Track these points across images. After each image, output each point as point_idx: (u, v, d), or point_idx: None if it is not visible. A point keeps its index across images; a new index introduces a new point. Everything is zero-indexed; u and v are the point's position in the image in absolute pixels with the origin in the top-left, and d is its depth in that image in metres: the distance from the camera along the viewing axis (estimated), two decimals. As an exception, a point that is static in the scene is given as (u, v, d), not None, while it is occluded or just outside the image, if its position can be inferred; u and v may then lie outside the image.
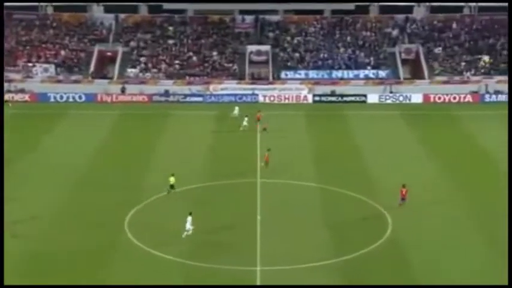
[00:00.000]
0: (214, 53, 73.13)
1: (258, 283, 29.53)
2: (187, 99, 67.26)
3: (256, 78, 70.50)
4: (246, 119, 55.21)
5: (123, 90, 67.93)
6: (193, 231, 33.28)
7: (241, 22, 76.78)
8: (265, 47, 73.14)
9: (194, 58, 72.93)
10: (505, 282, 27.56)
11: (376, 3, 77.64)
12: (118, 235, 34.14)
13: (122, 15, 76.70)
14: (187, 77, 70.44)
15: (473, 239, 33.45)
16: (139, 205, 38.29)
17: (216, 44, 74.40)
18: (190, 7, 77.51)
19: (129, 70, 71.14)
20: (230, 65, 72.12)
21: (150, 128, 56.47)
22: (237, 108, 58.96)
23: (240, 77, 70.52)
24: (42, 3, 76.27)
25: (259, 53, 72.79)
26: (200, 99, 67.39)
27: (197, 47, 74.08)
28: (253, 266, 30.92)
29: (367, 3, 77.36)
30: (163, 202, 38.94)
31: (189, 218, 33.52)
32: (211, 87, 68.45)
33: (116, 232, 34.42)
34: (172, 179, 39.68)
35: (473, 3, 76.06)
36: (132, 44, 74.11)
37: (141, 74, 70.96)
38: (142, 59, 72.56)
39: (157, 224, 35.79)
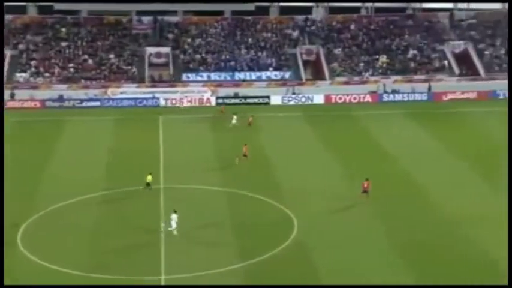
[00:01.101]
0: (112, 56, 71.55)
1: (163, 293, 29.19)
2: (84, 104, 65.41)
3: (156, 81, 69.66)
4: (235, 116, 55.78)
5: (12, 96, 65.00)
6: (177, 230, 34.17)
7: (139, 23, 75.59)
8: (165, 49, 72.48)
9: (90, 61, 71.01)
10: (404, 277, 28.84)
11: (276, 4, 79.09)
12: (10, 249, 32.45)
13: (9, 16, 73.33)
14: (82, 81, 68.49)
15: (375, 237, 34.48)
16: (34, 216, 36.73)
17: (113, 46, 72.85)
18: (84, 7, 75.30)
19: (18, 75, 68.18)
20: (129, 67, 70.83)
21: (45, 135, 54.34)
22: (235, 116, 57.16)
23: (139, 80, 69.43)
24: None
25: (158, 55, 72.04)
26: (98, 103, 65.71)
27: (93, 50, 72.19)
28: (158, 275, 30.45)
29: (268, 4, 78.66)
30: (60, 213, 37.56)
31: (174, 216, 34.23)
32: (109, 91, 66.93)
33: (7, 246, 32.65)
34: (149, 178, 40.46)
35: (370, 4, 79.31)
36: (21, 46, 71.12)
37: (31, 79, 68.23)
38: (32, 62, 69.77)
39: (53, 236, 34.44)
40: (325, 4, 79.42)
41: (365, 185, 39.16)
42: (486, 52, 73.01)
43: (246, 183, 42.19)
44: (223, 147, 51.43)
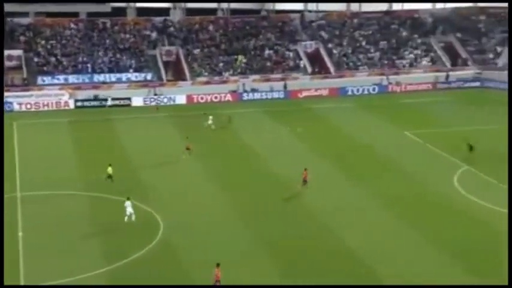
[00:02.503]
0: (-43, 59, 66.12)
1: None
2: None
3: (9, 85, 65.38)
4: (210, 117, 54.55)
5: None
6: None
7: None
8: (17, 52, 68.32)
9: None
10: (269, 267, 29.40)
11: (132, 5, 77.59)
12: None
13: None
14: None
15: (239, 232, 34.69)
16: None
17: (-41, 49, 67.31)
18: None
19: None
20: (-23, 71, 65.86)
21: None
22: (210, 117, 55.50)
23: (-10, 84, 64.78)
24: None
25: (10, 57, 67.67)
26: None
27: None
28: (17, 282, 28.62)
29: (124, 5, 76.96)
30: None
31: (128, 203, 35.06)
32: (-44, 97, 61.84)
33: None
34: (110, 169, 40.42)
35: (225, 6, 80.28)
36: None
37: None
38: None
39: None
40: (183, 5, 79.20)
41: (304, 175, 39.58)
42: (334, 51, 76.76)
43: (108, 187, 40.75)
44: (85, 150, 49.49)
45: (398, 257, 31.69)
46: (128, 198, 35.60)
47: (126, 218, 35.21)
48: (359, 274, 29.81)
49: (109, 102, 54.92)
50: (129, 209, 35.24)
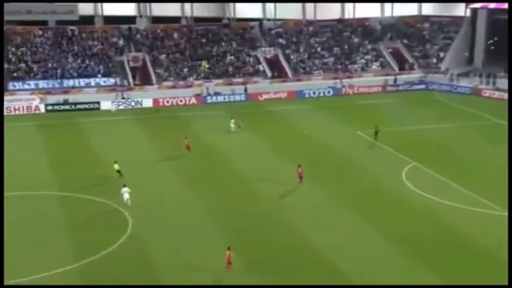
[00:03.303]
0: None
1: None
2: None
3: (-20, 91, 63.57)
4: (232, 120, 53.30)
5: None
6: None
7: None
8: (-12, 59, 66.48)
9: None
10: (235, 257, 29.30)
11: (100, 14, 76.48)
12: None
13: None
14: None
15: (208, 232, 34.23)
16: None
17: None
18: None
19: None
20: (-51, 78, 63.80)
21: None
22: (233, 120, 54.63)
23: (-39, 90, 62.84)
24: None
25: (-19, 64, 65.86)
26: None
27: None
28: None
29: (92, 14, 75.79)
30: None
31: (125, 189, 36.41)
32: None
33: None
34: (116, 166, 41.42)
35: (189, 14, 79.84)
36: None
37: None
38: None
39: None
40: (148, 14, 78.42)
41: (299, 172, 39.39)
42: (292, 57, 77.08)
43: (77, 186, 40.03)
44: (56, 151, 48.54)
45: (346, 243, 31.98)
46: (124, 185, 36.92)
47: (126, 201, 36.39)
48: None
49: (113, 108, 54.34)
50: (126, 195, 36.40)
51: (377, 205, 37.43)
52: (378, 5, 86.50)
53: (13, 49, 69.46)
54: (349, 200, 38.24)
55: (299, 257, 30.80)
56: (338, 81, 73.75)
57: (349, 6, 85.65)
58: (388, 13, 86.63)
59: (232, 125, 54.56)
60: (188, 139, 48.30)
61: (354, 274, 28.96)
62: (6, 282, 27.58)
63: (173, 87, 69.95)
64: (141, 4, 78.00)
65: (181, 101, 67.61)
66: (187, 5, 79.80)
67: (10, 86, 64.96)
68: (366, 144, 50.86)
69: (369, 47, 79.88)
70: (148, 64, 71.98)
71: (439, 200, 37.63)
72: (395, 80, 75.13)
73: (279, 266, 29.90)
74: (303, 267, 29.84)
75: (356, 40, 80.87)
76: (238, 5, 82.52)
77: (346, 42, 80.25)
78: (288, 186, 40.50)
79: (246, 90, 70.51)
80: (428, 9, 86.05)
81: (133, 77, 70.72)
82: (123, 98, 66.55)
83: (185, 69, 72.61)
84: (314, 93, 71.56)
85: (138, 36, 75.85)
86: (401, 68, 77.74)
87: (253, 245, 32.09)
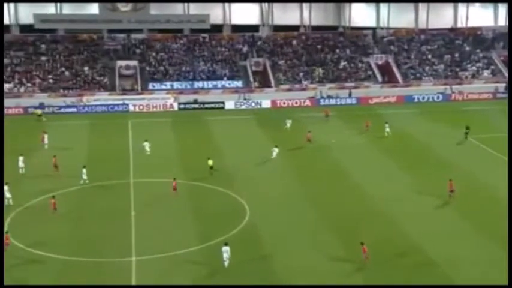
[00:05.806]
0: (86, 68, 70.19)
1: (133, 271, 28.87)
2: (62, 110, 63.92)
3: (126, 90, 68.70)
4: (289, 121, 54.98)
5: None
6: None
7: (110, 40, 74.47)
8: (133, 62, 71.52)
9: (67, 73, 69.48)
10: (335, 251, 29.33)
11: (228, 23, 79.23)
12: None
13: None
14: (61, 90, 66.94)
15: (312, 222, 34.75)
16: (19, 208, 35.83)
17: (87, 60, 71.47)
18: (61, 27, 73.90)
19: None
20: (101, 78, 69.60)
21: (27, 137, 52.87)
22: (289, 121, 55.61)
23: (110, 89, 68.32)
24: None
25: (127, 67, 71.03)
26: (74, 110, 64.36)
27: (69, 63, 70.67)
28: (129, 256, 30.20)
29: (221, 23, 78.75)
30: (39, 206, 36.64)
31: (84, 170, 38.80)
32: (84, 98, 65.68)
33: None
34: (210, 162, 41.73)
35: (307, 23, 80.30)
36: (6, 61, 69.01)
37: (15, 89, 66.43)
38: (16, 74, 67.73)
39: (35, 225, 33.69)
40: (270, 23, 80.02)
41: (451, 185, 36.66)
42: (403, 63, 74.84)
43: (204, 176, 41.96)
44: (185, 145, 51.21)
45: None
46: (84, 167, 39.22)
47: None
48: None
49: (288, 125, 55.68)
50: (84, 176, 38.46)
51: (478, 203, 35.60)
52: (491, 13, 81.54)
53: (153, 54, 74.06)
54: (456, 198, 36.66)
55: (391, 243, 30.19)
56: (448, 87, 70.52)
57: (462, 15, 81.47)
58: (501, 22, 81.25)
59: (288, 125, 54.49)
60: (311, 133, 49.47)
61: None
62: (132, 259, 29.71)
63: (289, 90, 70.84)
64: (264, 13, 79.72)
65: (296, 102, 68.30)
66: (306, 14, 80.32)
67: (150, 86, 69.43)
68: (472, 148, 48.33)
69: (481, 55, 75.52)
70: (268, 69, 73.48)
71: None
72: (506, 88, 70.39)
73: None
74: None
75: (467, 48, 76.77)
76: (354, 14, 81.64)
77: (457, 50, 76.49)
78: (392, 187, 39.68)
79: (350, 94, 69.61)
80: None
81: (254, 80, 72.60)
82: (244, 99, 68.59)
83: (301, 74, 73.24)
84: (423, 98, 69.05)
85: (260, 43, 77.66)
86: (514, 76, 72.58)
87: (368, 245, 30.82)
